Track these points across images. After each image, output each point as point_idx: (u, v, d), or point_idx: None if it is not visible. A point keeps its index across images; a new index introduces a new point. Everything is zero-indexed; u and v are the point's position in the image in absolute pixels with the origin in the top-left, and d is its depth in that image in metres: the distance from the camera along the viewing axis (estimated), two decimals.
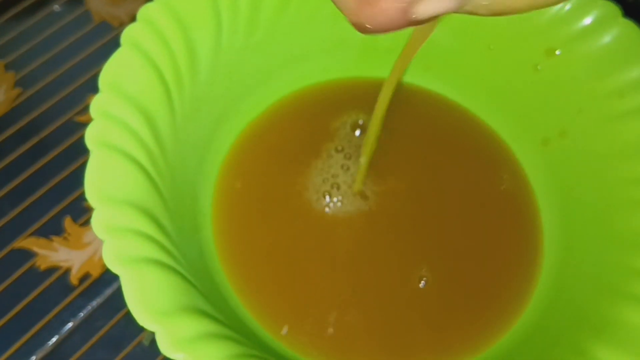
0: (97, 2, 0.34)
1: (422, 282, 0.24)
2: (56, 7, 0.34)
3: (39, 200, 0.29)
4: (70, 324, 0.26)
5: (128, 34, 0.21)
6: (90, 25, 0.34)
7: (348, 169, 0.26)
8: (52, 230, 0.28)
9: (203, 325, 0.17)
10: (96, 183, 0.18)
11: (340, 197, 0.26)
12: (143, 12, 0.22)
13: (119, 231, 0.18)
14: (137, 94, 0.21)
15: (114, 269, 0.17)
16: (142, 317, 0.16)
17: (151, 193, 0.20)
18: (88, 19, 0.34)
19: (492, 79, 0.27)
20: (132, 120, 0.20)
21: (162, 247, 0.19)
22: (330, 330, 0.23)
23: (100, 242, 0.27)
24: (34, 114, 0.31)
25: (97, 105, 0.20)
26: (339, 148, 0.27)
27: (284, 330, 0.23)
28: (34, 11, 0.34)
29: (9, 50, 0.33)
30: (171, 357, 0.16)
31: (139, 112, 0.21)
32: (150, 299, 0.17)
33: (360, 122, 0.28)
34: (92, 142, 0.19)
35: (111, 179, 0.19)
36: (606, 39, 0.24)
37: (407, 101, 0.29)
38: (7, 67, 0.32)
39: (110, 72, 0.20)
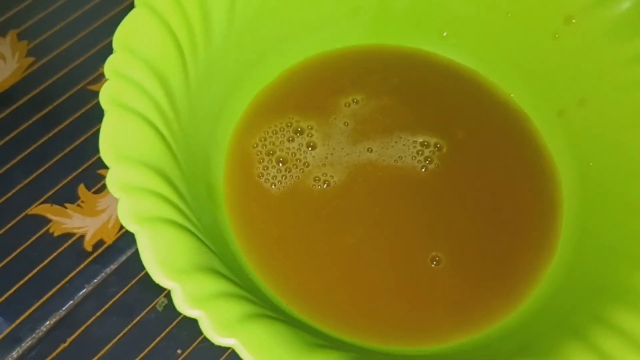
0: None
1: (435, 262, 0.24)
2: None
3: (53, 168, 0.28)
4: (84, 290, 0.26)
5: None
6: None
7: (359, 140, 0.26)
8: (66, 198, 0.28)
9: (219, 285, 0.17)
10: (111, 142, 0.18)
11: (352, 166, 0.25)
12: None
13: (135, 190, 0.17)
14: (151, 56, 0.20)
15: (129, 226, 0.17)
16: (159, 274, 0.16)
17: (167, 156, 0.20)
18: None
19: (510, 47, 0.27)
20: (146, 83, 0.20)
21: (178, 209, 0.19)
22: (341, 301, 0.23)
23: (114, 209, 0.27)
24: (47, 82, 0.31)
25: (111, 65, 0.19)
26: (350, 119, 0.27)
27: None
28: None
29: (22, 19, 0.32)
30: (187, 314, 0.16)
31: (153, 74, 0.20)
32: (166, 257, 0.17)
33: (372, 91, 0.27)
34: (107, 101, 0.19)
35: (126, 139, 0.18)
36: (625, 4, 0.23)
37: (422, 69, 0.28)
38: (20, 36, 0.32)
39: (125, 34, 0.20)
